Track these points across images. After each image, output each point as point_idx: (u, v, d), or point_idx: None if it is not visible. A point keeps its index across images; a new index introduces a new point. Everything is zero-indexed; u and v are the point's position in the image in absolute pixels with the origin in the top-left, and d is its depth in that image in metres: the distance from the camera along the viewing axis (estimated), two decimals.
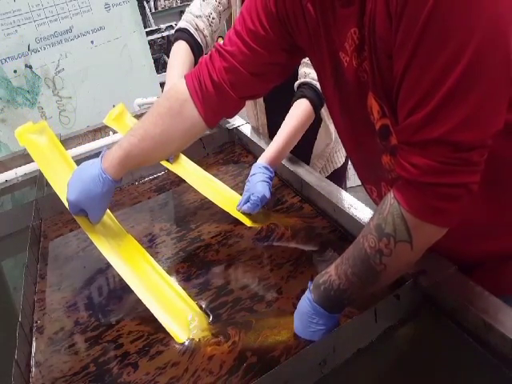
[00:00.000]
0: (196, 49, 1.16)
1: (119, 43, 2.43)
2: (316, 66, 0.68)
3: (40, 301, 0.84)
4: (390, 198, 0.52)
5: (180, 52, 1.15)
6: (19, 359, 0.65)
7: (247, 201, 0.93)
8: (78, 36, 2.29)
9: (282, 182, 1.08)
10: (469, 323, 0.59)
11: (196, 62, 1.17)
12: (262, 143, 1.17)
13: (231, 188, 1.06)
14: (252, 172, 0.96)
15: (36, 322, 0.78)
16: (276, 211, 0.97)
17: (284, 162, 1.04)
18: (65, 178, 0.77)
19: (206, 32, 1.17)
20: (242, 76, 0.70)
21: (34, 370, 0.69)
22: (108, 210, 0.83)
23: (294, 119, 1.00)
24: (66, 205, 0.78)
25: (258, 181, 0.93)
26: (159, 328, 0.71)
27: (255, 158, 1.14)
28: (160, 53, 4.31)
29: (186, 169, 1.09)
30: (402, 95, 0.48)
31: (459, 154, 0.44)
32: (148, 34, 3.79)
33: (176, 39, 1.17)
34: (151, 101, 1.65)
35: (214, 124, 0.77)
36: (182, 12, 6.17)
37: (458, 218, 0.50)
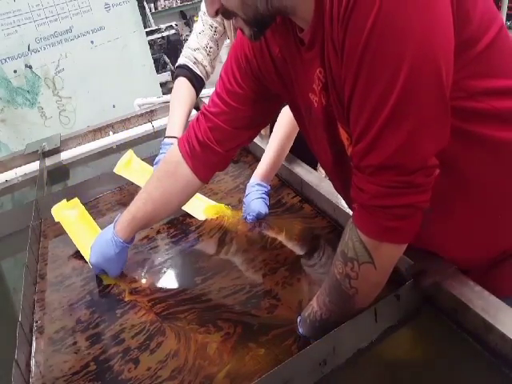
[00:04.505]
0: (196, 82, 1.21)
1: (119, 43, 2.43)
2: (292, 108, 0.72)
3: (40, 300, 0.84)
4: (349, 223, 0.55)
5: (180, 90, 1.21)
6: (19, 359, 0.65)
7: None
8: (78, 36, 2.29)
9: (281, 182, 1.08)
10: (469, 323, 0.59)
11: (198, 95, 1.23)
12: (262, 143, 1.17)
13: (231, 190, 1.07)
14: (246, 192, 0.98)
15: (36, 322, 0.79)
16: (271, 213, 0.97)
17: (284, 162, 1.04)
18: (90, 245, 0.87)
19: (205, 62, 1.22)
20: (226, 132, 0.75)
21: (33, 369, 0.70)
22: None
23: (281, 130, 1.01)
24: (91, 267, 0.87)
25: (252, 199, 0.95)
26: (160, 315, 0.74)
27: (255, 158, 1.14)
28: (160, 53, 4.31)
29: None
30: (350, 125, 0.51)
31: (402, 178, 0.47)
32: (148, 34, 3.79)
33: (177, 76, 1.23)
34: (151, 101, 1.65)
35: (208, 179, 0.82)
36: (182, 12, 6.19)
37: (414, 233, 0.52)
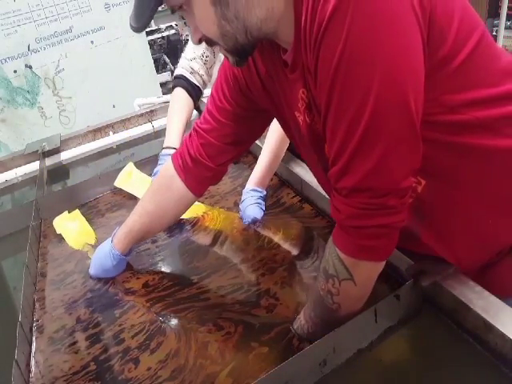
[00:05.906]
0: (193, 92, 1.23)
1: (119, 43, 2.42)
2: (281, 125, 0.74)
3: (40, 300, 0.84)
4: (330, 241, 0.57)
5: (178, 101, 1.22)
6: (19, 359, 0.65)
7: None
8: (78, 36, 2.29)
9: (281, 182, 1.08)
10: (469, 323, 0.59)
11: (195, 104, 1.25)
12: (262, 143, 1.17)
13: (227, 193, 1.08)
14: (242, 198, 0.99)
15: (36, 322, 0.79)
16: (270, 213, 0.97)
17: (283, 161, 1.04)
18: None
19: (201, 71, 1.24)
20: (218, 148, 0.77)
21: (33, 369, 0.69)
22: None
23: (275, 133, 1.01)
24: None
25: (247, 205, 0.96)
26: (159, 314, 0.73)
27: (255, 159, 1.14)
28: (160, 53, 4.31)
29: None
30: (327, 147, 0.53)
31: (375, 200, 0.49)
32: (148, 33, 3.79)
33: (174, 87, 1.24)
34: (151, 101, 1.65)
35: (201, 192, 0.84)
36: None
37: (391, 251, 0.54)
